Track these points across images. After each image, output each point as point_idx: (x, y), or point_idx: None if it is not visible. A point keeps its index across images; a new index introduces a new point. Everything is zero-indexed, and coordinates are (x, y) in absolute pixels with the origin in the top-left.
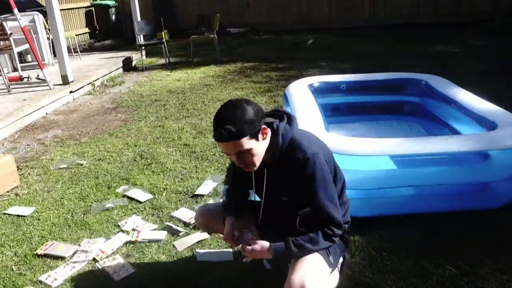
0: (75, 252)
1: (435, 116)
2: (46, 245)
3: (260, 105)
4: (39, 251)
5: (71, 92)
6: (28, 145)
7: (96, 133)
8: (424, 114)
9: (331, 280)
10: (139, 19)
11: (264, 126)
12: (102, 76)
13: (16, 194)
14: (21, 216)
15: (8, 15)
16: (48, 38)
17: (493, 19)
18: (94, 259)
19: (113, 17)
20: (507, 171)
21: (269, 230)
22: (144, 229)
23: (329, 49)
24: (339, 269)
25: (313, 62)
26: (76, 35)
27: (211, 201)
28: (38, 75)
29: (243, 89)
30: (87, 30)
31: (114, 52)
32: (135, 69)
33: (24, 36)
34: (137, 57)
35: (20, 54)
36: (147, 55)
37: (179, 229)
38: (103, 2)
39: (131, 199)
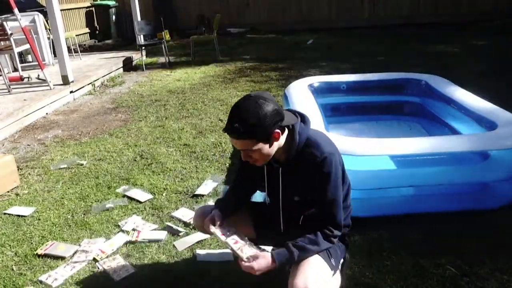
0: (75, 252)
1: (435, 116)
2: (46, 245)
3: (280, 106)
4: (39, 251)
5: (71, 92)
6: (28, 145)
7: (96, 133)
8: (424, 114)
9: (333, 283)
10: (139, 19)
11: (277, 130)
12: (102, 76)
13: (17, 194)
14: (22, 216)
15: (8, 15)
16: (49, 38)
17: (493, 19)
18: (94, 259)
19: (113, 17)
20: (507, 171)
21: (290, 230)
22: (144, 229)
23: (329, 49)
24: (340, 271)
25: (313, 62)
26: (76, 35)
27: (211, 201)
28: (38, 75)
29: (243, 89)
30: (87, 30)
31: (114, 52)
32: (135, 69)
33: (24, 36)
34: (137, 57)
35: (20, 54)
36: (147, 55)
37: (179, 229)
38: (103, 2)
39: (131, 199)
